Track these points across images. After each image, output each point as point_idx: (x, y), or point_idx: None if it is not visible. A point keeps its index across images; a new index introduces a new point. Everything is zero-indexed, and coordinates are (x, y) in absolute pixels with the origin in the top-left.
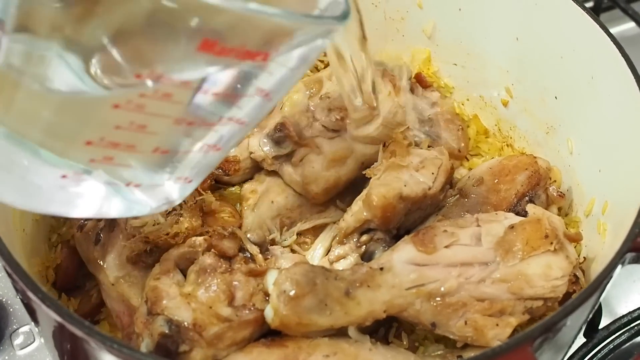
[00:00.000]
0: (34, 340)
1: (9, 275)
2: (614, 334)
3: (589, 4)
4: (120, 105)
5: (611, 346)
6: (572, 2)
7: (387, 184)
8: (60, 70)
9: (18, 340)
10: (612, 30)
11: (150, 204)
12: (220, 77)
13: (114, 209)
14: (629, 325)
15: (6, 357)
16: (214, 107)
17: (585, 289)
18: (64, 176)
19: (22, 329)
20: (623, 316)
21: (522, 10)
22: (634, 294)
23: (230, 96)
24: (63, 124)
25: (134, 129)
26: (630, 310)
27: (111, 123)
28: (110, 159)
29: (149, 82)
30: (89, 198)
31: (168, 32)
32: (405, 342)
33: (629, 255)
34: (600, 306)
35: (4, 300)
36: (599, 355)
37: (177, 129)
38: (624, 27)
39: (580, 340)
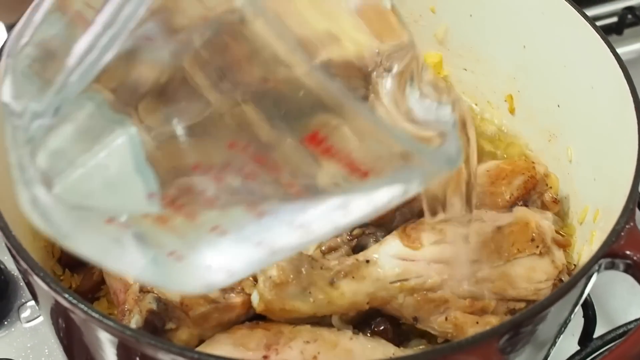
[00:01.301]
0: (40, 314)
1: (7, 248)
2: (609, 344)
3: (613, 20)
4: (200, 166)
5: None
6: (576, 12)
7: None
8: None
9: (25, 314)
10: (636, 47)
11: (186, 282)
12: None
13: (149, 276)
14: (624, 335)
15: (12, 329)
16: (294, 207)
17: (555, 291)
18: (109, 220)
19: (29, 303)
20: (619, 327)
21: (530, 19)
22: (634, 307)
23: (314, 200)
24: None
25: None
26: (628, 321)
27: (186, 182)
28: (165, 221)
29: (238, 155)
30: (127, 255)
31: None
32: (390, 336)
33: (604, 261)
34: (594, 315)
35: (15, 274)
36: None
37: (246, 214)
38: None
39: (574, 347)
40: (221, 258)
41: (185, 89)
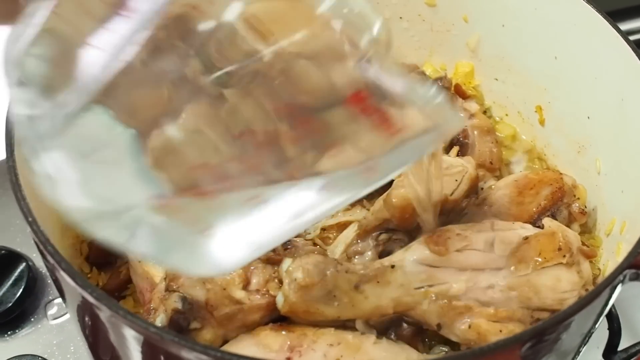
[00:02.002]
0: (67, 312)
1: (35, 243)
2: (633, 356)
3: None
4: (244, 134)
5: None
6: (608, 24)
7: (409, 186)
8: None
9: (52, 311)
10: None
11: (208, 263)
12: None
13: (172, 260)
14: None
15: (39, 326)
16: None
17: (578, 300)
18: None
19: (56, 300)
20: None
21: (562, 30)
22: None
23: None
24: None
25: (243, 167)
26: None
27: (226, 153)
28: (204, 194)
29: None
30: (145, 240)
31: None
32: (413, 341)
33: (629, 272)
34: (619, 327)
35: (43, 272)
36: None
37: (284, 183)
38: None
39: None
40: (250, 230)
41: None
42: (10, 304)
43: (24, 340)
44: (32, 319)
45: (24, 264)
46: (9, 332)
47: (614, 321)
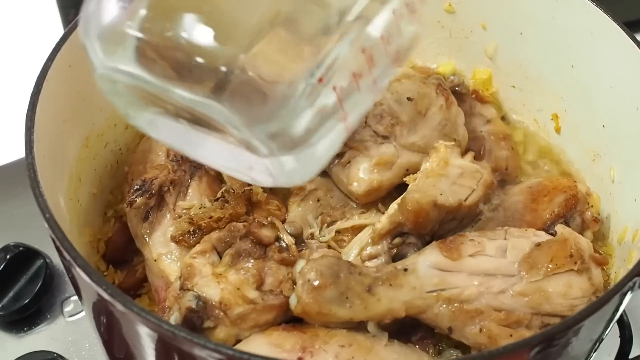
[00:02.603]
0: (83, 309)
1: (52, 239)
2: None
3: None
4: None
5: None
6: (625, 34)
7: (423, 191)
8: None
9: (68, 308)
10: None
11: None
12: None
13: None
14: None
15: (55, 323)
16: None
17: (588, 306)
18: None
19: (73, 298)
20: None
21: (579, 39)
22: None
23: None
24: None
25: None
26: None
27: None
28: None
29: None
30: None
31: None
32: (425, 345)
33: (638, 280)
34: (631, 335)
35: (60, 269)
36: None
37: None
38: None
39: None
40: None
41: None
42: (27, 301)
43: (39, 336)
44: (48, 316)
45: (41, 261)
46: (25, 329)
47: (625, 329)
